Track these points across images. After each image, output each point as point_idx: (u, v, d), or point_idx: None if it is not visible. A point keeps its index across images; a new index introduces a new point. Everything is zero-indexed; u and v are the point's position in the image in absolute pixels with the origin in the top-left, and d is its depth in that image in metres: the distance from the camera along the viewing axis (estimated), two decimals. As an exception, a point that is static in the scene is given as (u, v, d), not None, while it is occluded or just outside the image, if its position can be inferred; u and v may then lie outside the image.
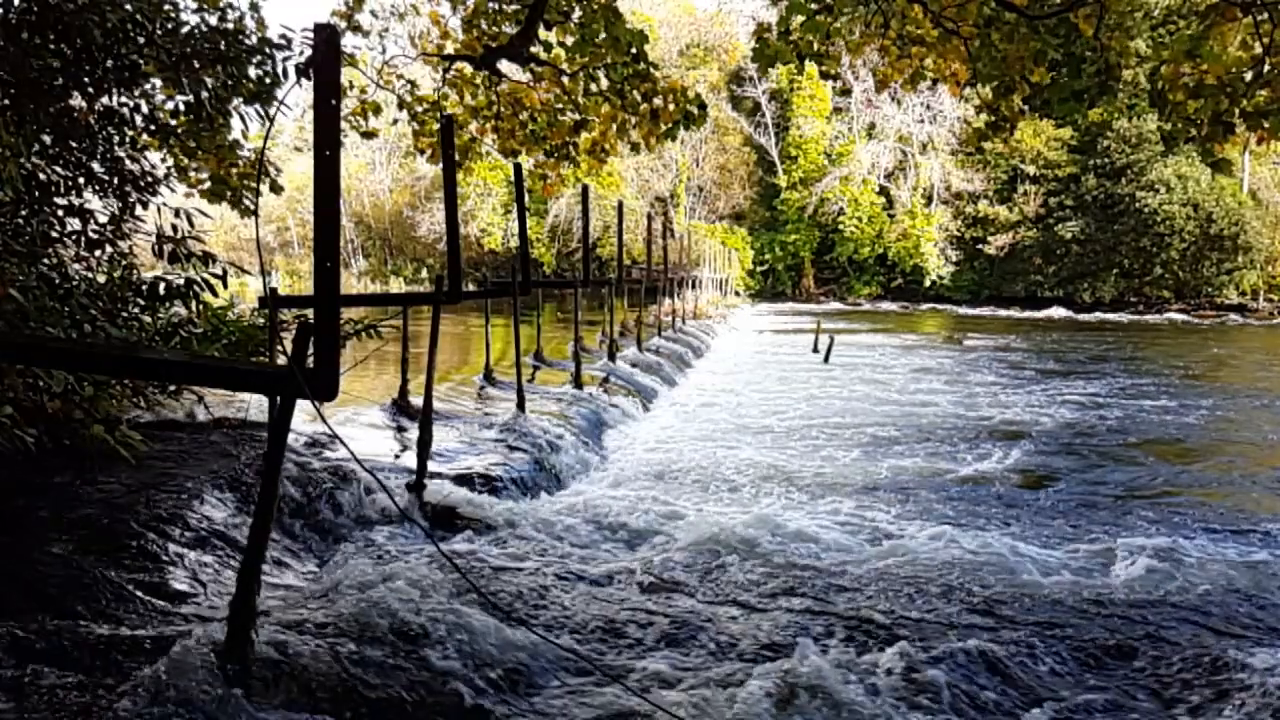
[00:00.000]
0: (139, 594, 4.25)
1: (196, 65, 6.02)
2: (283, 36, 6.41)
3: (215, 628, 3.64)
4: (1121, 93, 47.08)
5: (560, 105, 9.90)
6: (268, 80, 6.54)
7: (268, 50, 6.39)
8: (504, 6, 9.65)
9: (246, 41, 6.39)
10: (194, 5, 6.67)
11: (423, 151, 10.68)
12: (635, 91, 9.37)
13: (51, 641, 3.61)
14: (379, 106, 10.35)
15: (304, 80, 5.84)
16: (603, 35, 8.96)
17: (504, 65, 9.81)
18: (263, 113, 6.57)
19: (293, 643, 3.72)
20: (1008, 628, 4.94)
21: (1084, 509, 8.03)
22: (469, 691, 3.76)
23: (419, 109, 10.23)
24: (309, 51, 5.97)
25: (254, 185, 8.12)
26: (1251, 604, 5.49)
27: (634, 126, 9.57)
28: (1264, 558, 6.44)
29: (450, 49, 10.01)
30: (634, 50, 9.15)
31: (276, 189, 8.47)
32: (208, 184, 8.14)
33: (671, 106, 9.38)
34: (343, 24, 9.62)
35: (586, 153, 10.10)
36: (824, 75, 9.42)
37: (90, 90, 5.93)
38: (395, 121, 10.77)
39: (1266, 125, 6.10)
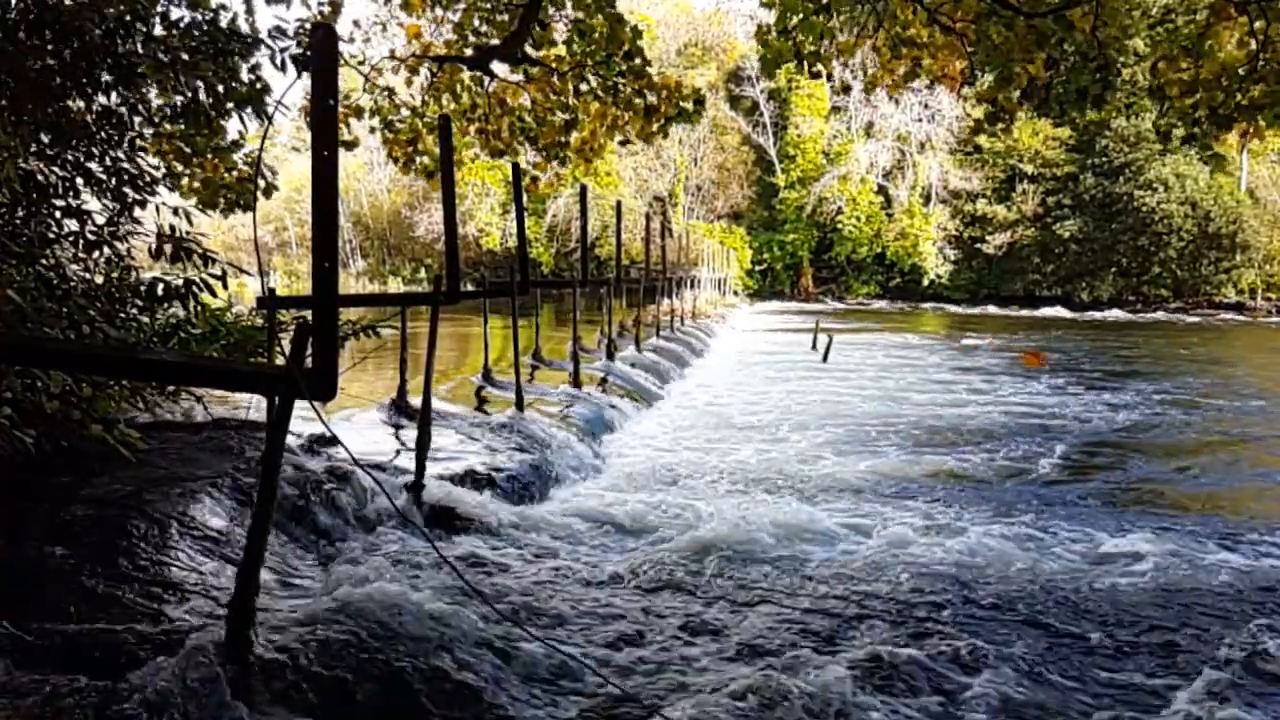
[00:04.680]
0: (138, 595, 4.24)
1: (193, 59, 5.99)
2: (277, 28, 6.37)
3: (214, 629, 3.64)
4: (1120, 91, 47.10)
5: (550, 105, 9.86)
6: (259, 86, 6.51)
7: (266, 44, 6.34)
8: (495, 16, 9.61)
9: (244, 39, 6.36)
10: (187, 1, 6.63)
11: (396, 160, 10.37)
12: (629, 88, 9.36)
13: (50, 642, 3.61)
14: (361, 110, 10.15)
15: (303, 75, 5.81)
16: (599, 19, 8.92)
17: (494, 65, 9.78)
18: (262, 110, 6.52)
19: (292, 644, 3.72)
20: (1017, 627, 4.95)
21: (1119, 507, 8.04)
22: (468, 694, 3.76)
23: (393, 117, 10.06)
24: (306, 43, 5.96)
25: (249, 190, 8.09)
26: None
27: (627, 123, 9.55)
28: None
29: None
30: (627, 47, 9.15)
31: (270, 191, 8.40)
32: (202, 189, 8.09)
33: (666, 103, 9.38)
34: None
35: (575, 152, 10.04)
36: (814, 75, 9.46)
37: (88, 90, 5.92)
38: (373, 131, 10.41)
39: (1261, 119, 6.12)
